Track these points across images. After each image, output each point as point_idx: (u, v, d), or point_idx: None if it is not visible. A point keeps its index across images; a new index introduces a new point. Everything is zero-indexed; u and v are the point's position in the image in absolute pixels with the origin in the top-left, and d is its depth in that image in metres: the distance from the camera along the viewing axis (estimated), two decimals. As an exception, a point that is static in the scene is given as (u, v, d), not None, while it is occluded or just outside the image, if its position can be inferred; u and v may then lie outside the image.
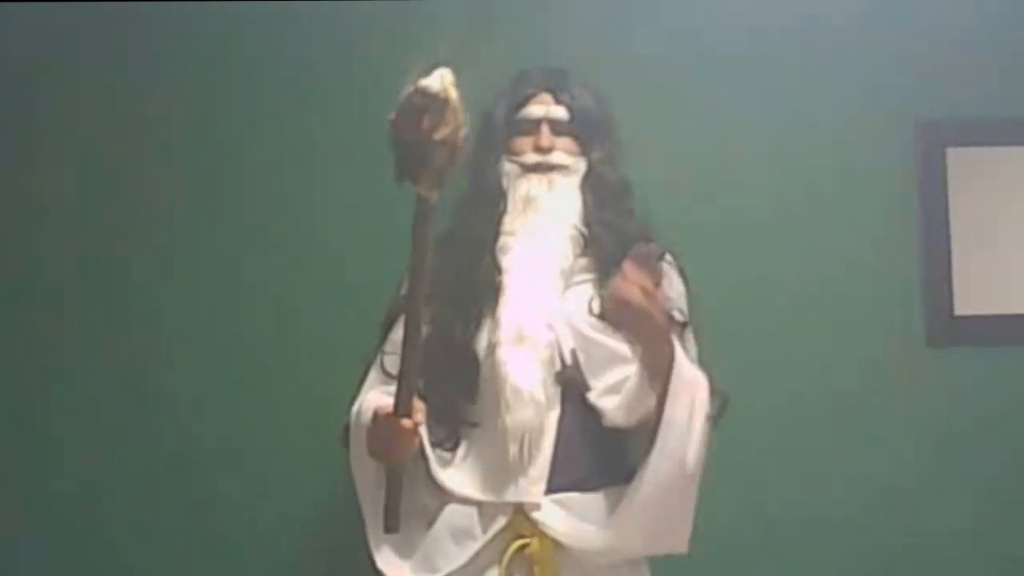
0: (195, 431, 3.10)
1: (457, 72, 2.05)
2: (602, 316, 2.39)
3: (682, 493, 2.34)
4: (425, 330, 2.31)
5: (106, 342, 3.13)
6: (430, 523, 2.43)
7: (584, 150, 2.57)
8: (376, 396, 2.44)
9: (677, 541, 2.39)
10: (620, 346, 2.42)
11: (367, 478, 2.43)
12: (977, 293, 3.16)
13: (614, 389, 2.41)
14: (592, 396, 2.41)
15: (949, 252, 3.17)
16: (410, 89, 2.02)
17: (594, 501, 2.41)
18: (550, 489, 2.39)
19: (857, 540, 3.10)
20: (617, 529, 2.36)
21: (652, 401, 2.36)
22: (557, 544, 2.37)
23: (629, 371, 2.39)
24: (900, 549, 3.09)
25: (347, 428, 2.47)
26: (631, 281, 2.24)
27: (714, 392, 2.40)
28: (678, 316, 2.51)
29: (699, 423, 2.32)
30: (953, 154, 3.18)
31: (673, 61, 3.18)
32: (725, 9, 3.20)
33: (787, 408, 3.10)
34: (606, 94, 2.65)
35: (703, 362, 2.52)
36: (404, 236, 2.21)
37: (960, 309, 3.16)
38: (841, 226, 3.17)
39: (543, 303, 2.42)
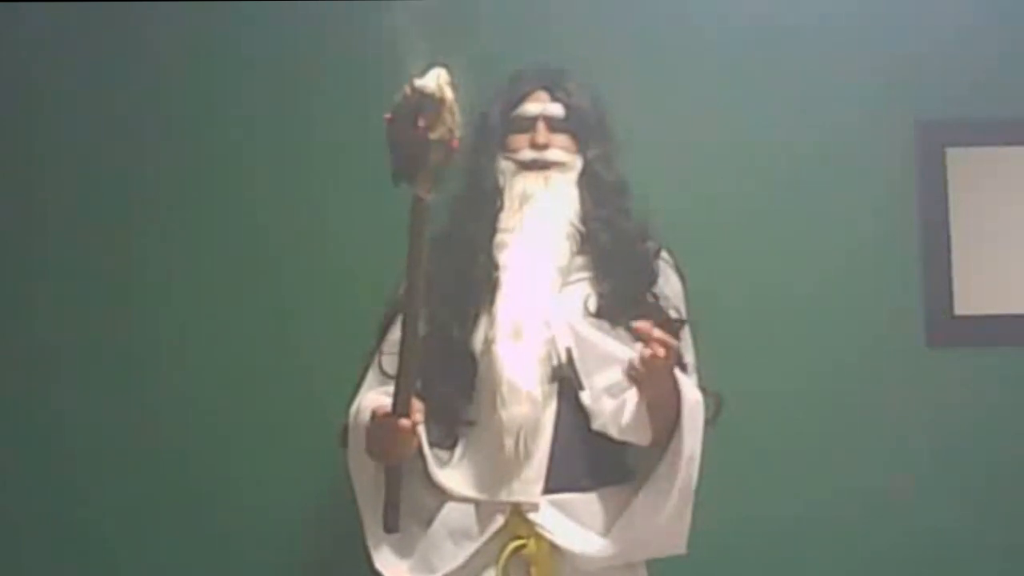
0: (193, 432, 3.11)
1: (453, 72, 2.06)
2: (598, 313, 2.39)
3: (683, 505, 2.35)
4: (422, 329, 2.31)
5: (106, 342, 3.15)
6: (428, 523, 2.43)
7: (580, 148, 2.56)
8: (374, 396, 2.43)
9: (676, 544, 2.40)
10: (615, 347, 2.42)
11: (365, 478, 2.42)
12: (977, 293, 3.16)
13: (610, 392, 2.41)
14: (585, 397, 2.41)
15: (949, 252, 3.16)
16: (406, 89, 2.02)
17: (590, 503, 2.42)
18: (547, 489, 2.38)
19: (856, 540, 3.10)
20: (617, 539, 2.37)
21: (649, 433, 2.38)
22: (554, 545, 2.38)
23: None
24: (899, 549, 3.09)
25: (346, 429, 2.46)
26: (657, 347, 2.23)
27: (706, 392, 2.41)
28: (675, 315, 2.51)
29: (700, 437, 2.35)
30: (953, 154, 3.18)
31: (672, 60, 3.19)
32: (724, 9, 3.20)
33: (786, 408, 3.09)
34: (603, 93, 2.65)
35: (701, 361, 2.54)
36: (401, 237, 2.20)
37: (960, 309, 3.15)
38: (841, 226, 3.17)
39: (540, 300, 2.42)
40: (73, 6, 3.17)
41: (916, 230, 3.18)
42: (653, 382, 2.27)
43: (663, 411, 2.33)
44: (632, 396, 2.36)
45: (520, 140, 2.55)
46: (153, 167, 3.18)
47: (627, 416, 2.37)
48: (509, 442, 2.35)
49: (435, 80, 2.01)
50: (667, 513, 2.34)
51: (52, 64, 3.18)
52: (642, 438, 2.39)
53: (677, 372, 2.32)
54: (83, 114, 3.18)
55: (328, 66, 3.17)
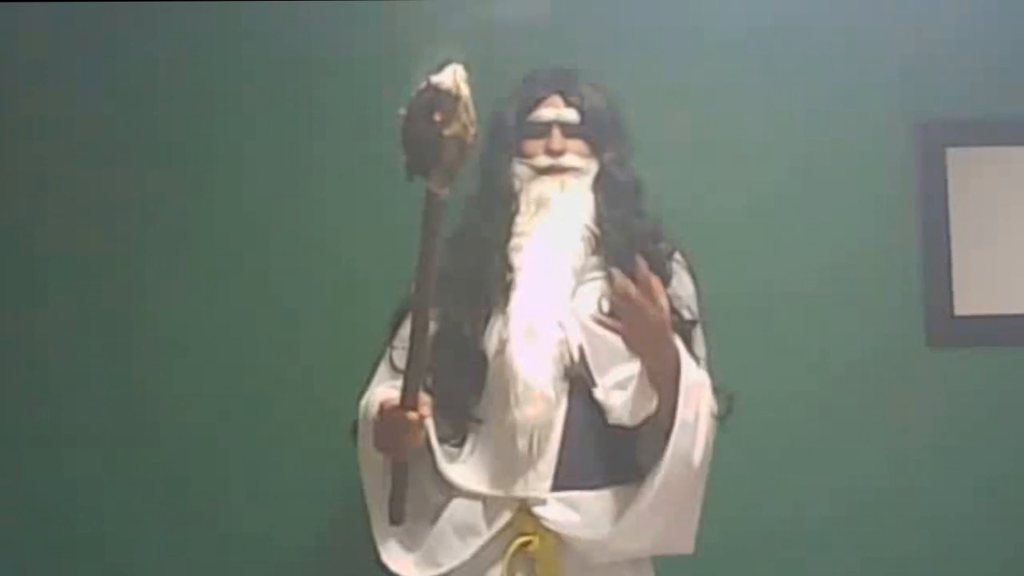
0: (199, 430, 3.12)
1: (468, 69, 2.06)
2: (611, 314, 2.37)
3: (690, 493, 2.35)
4: (434, 327, 2.34)
5: (106, 343, 3.15)
6: (435, 518, 2.44)
7: (595, 151, 2.58)
8: (384, 390, 2.44)
9: (683, 541, 2.40)
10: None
11: (373, 471, 2.43)
12: (977, 293, 3.17)
13: (620, 386, 2.41)
14: (598, 393, 2.41)
15: (949, 252, 3.17)
16: (422, 85, 2.02)
17: (598, 500, 2.41)
18: (555, 486, 2.39)
19: (857, 539, 3.11)
20: (624, 529, 2.35)
21: (655, 401, 2.36)
22: (560, 542, 2.38)
23: (636, 368, 2.38)
24: (900, 549, 3.10)
25: (356, 424, 2.47)
26: (642, 285, 2.22)
27: (717, 391, 2.42)
28: (687, 315, 2.52)
29: (704, 423, 2.33)
30: (953, 154, 3.19)
31: (672, 62, 3.19)
32: (726, 10, 3.21)
33: (787, 408, 3.10)
34: (614, 94, 2.65)
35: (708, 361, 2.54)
36: (407, 235, 2.21)
37: (960, 309, 3.16)
38: (841, 226, 3.18)
39: (554, 300, 2.43)
40: (73, 6, 3.16)
41: (916, 230, 3.19)
42: (644, 334, 2.25)
43: (666, 382, 2.31)
44: (637, 375, 2.36)
45: (535, 145, 2.56)
46: (157, 167, 3.18)
47: (634, 392, 2.38)
48: (523, 442, 2.36)
49: (451, 76, 2.01)
50: (675, 510, 2.34)
51: (52, 64, 3.18)
52: (648, 406, 2.38)
53: (682, 351, 2.32)
54: (83, 114, 3.17)
55: (333, 65, 3.17)
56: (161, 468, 3.11)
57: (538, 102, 2.58)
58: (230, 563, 3.09)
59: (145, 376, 3.13)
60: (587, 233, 2.51)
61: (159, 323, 3.14)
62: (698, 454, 2.31)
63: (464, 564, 2.39)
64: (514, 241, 2.50)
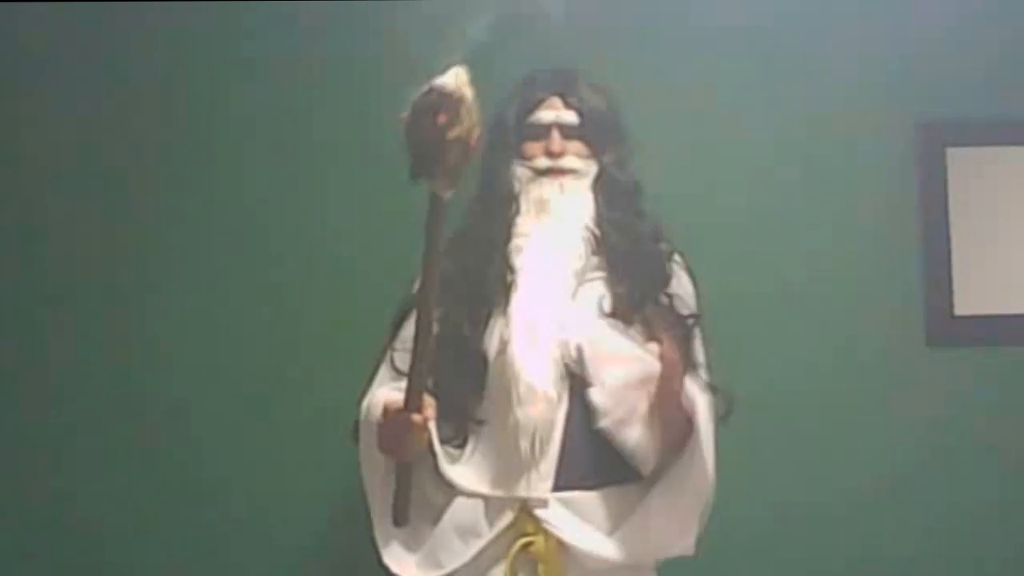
0: (199, 431, 3.12)
1: (468, 70, 2.06)
2: (613, 313, 2.40)
3: (697, 507, 2.38)
4: (435, 329, 2.33)
5: (106, 343, 3.15)
6: (436, 519, 2.44)
7: (595, 153, 2.57)
8: (386, 392, 2.44)
9: (684, 545, 2.41)
10: (627, 345, 2.42)
11: (376, 473, 2.43)
12: (977, 293, 3.17)
13: (617, 389, 2.40)
14: (594, 394, 2.40)
15: (949, 252, 3.18)
16: (424, 88, 2.02)
17: (598, 501, 2.42)
18: (556, 486, 2.40)
19: (857, 539, 3.11)
20: (626, 539, 2.38)
21: (650, 463, 2.40)
22: (562, 543, 2.38)
23: (636, 369, 2.38)
24: (900, 548, 3.10)
25: (357, 425, 2.47)
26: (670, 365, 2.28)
27: (717, 391, 2.44)
28: (687, 314, 2.53)
29: (711, 440, 2.37)
30: (953, 154, 3.19)
31: (671, 61, 3.19)
32: (726, 10, 3.21)
33: (787, 407, 3.10)
34: (614, 95, 2.65)
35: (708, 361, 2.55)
36: (412, 234, 2.21)
37: (960, 309, 3.17)
38: (841, 226, 3.18)
39: (555, 301, 2.44)
40: (73, 6, 3.16)
41: (916, 230, 3.19)
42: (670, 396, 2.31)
43: (668, 431, 2.37)
44: (642, 421, 2.38)
45: (535, 147, 2.56)
46: (158, 166, 3.18)
47: (632, 443, 2.38)
48: (525, 443, 2.36)
49: (454, 79, 2.01)
50: (680, 516, 2.37)
51: (52, 64, 3.18)
52: (643, 467, 2.41)
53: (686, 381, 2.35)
54: (83, 114, 3.17)
55: (336, 65, 3.17)
56: (161, 468, 3.11)
57: (538, 104, 2.58)
58: (230, 563, 3.09)
59: (145, 376, 3.13)
60: (587, 234, 2.51)
61: (159, 323, 3.14)
62: (710, 471, 2.35)
63: (466, 565, 2.40)
64: (514, 242, 2.50)
